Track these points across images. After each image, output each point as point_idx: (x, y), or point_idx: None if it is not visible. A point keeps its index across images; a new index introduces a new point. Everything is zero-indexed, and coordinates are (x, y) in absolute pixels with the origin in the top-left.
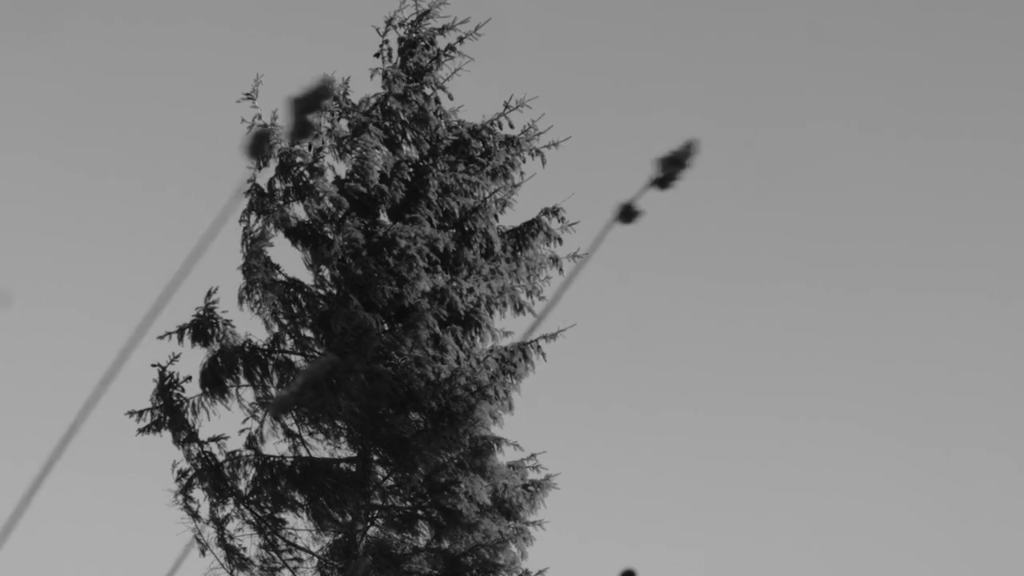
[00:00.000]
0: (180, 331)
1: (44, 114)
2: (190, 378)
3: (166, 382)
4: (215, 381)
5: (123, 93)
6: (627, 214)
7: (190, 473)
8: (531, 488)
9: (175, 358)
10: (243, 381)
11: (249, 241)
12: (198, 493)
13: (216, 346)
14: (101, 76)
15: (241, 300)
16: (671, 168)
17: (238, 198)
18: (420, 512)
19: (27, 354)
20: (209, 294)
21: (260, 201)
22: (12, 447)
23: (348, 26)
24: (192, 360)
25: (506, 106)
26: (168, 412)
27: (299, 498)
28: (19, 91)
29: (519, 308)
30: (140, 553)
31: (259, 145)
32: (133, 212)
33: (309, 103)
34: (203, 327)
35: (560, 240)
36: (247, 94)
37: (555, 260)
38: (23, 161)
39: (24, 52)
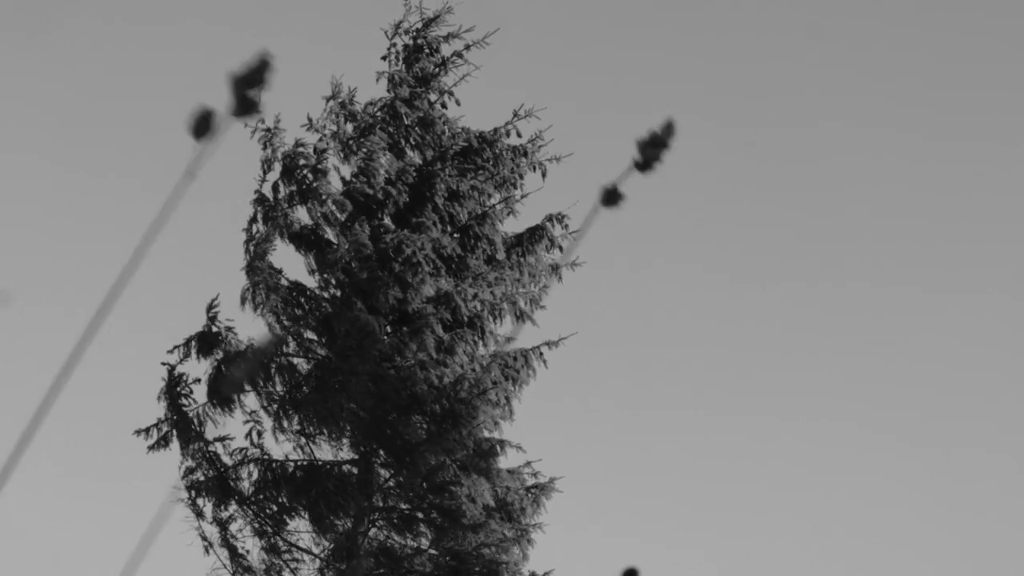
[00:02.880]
0: (187, 343)
1: (44, 114)
2: (199, 380)
3: (174, 382)
4: (220, 391)
5: (123, 93)
6: (611, 197)
7: (196, 473)
8: (534, 491)
9: (184, 358)
10: (245, 386)
11: (252, 245)
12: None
13: (219, 355)
14: (101, 76)
15: (244, 301)
16: (651, 151)
17: (187, 180)
18: (421, 514)
19: (27, 354)
20: (211, 305)
21: (265, 210)
22: (11, 447)
23: (349, 27)
24: (201, 366)
25: (515, 114)
26: (174, 413)
27: (301, 500)
28: (19, 91)
29: (519, 316)
30: (138, 553)
31: (204, 126)
32: (133, 212)
33: (250, 79)
34: (207, 338)
35: (561, 248)
36: None
37: (555, 268)
38: (23, 161)
39: (24, 52)
